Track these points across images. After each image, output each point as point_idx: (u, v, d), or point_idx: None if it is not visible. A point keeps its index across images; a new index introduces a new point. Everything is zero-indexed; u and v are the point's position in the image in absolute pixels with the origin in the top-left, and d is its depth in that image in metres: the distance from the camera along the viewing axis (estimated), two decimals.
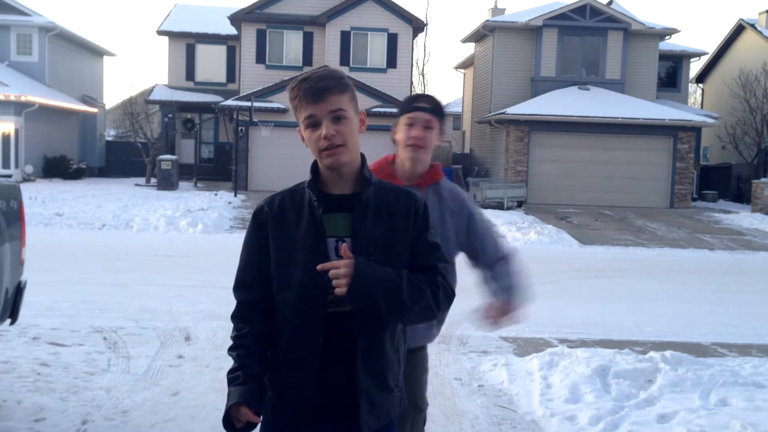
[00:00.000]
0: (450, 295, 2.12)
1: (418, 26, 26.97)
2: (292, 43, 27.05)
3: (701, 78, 35.64)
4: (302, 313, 2.03)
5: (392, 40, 26.35)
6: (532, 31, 26.28)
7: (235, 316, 2.13)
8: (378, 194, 2.10)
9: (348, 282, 1.91)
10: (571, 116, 23.68)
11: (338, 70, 2.13)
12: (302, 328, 2.03)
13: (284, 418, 2.09)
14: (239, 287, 2.15)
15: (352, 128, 2.06)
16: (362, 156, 2.12)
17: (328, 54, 26.18)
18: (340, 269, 1.92)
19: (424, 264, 2.09)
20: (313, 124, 2.04)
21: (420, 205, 2.13)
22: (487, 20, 27.43)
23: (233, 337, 2.11)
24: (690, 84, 33.21)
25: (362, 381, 2.03)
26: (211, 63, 30.97)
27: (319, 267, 1.95)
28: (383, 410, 2.09)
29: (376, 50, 26.37)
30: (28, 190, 17.70)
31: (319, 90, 2.02)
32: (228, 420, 2.04)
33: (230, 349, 2.11)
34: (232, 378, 2.07)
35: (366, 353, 2.03)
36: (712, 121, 26.32)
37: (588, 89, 25.60)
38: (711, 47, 49.56)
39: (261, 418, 2.07)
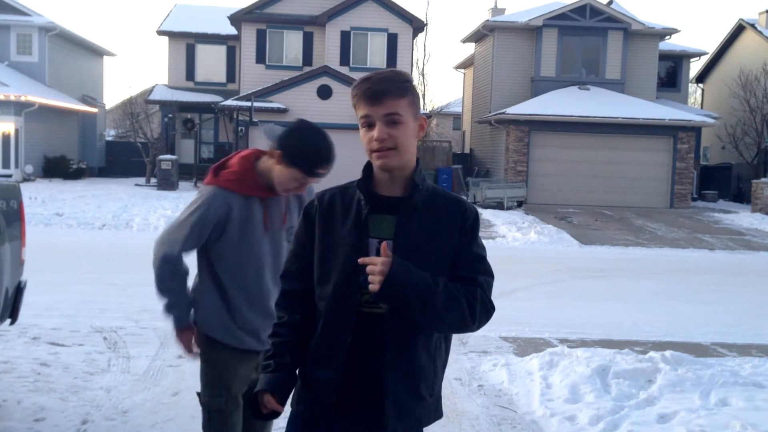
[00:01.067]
0: (489, 309, 2.08)
1: (418, 26, 26.97)
2: (292, 43, 27.05)
3: (701, 78, 35.64)
4: (335, 309, 2.05)
5: (392, 40, 26.35)
6: (532, 31, 26.28)
7: (278, 305, 2.20)
8: (428, 200, 2.09)
9: (382, 279, 1.91)
10: (571, 116, 23.68)
11: (404, 73, 2.13)
12: (334, 323, 2.05)
13: (308, 410, 2.12)
14: (284, 277, 2.21)
15: (407, 133, 2.04)
16: (417, 161, 2.12)
17: (328, 54, 26.18)
18: (376, 266, 1.92)
19: (464, 275, 2.07)
20: (368, 124, 2.04)
21: (470, 215, 2.12)
22: (487, 20, 27.44)
23: (273, 325, 2.17)
24: (690, 84, 33.20)
25: (390, 384, 2.02)
26: (211, 63, 30.97)
27: (360, 260, 1.96)
28: (413, 417, 2.08)
29: (376, 50, 26.37)
30: (28, 190, 17.71)
31: (376, 92, 2.02)
32: (255, 405, 2.09)
33: (269, 336, 2.17)
34: (265, 365, 2.12)
35: (396, 356, 2.03)
36: (712, 121, 26.32)
37: (588, 89, 25.60)
38: (711, 47, 49.61)
39: (284, 407, 2.09)
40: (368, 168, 2.11)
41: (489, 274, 2.13)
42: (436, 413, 2.17)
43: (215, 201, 2.85)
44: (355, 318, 2.03)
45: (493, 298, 2.12)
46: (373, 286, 1.92)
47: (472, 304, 2.02)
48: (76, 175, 27.78)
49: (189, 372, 5.56)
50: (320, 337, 2.09)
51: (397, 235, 2.04)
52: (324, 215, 2.12)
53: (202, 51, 30.92)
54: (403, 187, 2.09)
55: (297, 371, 2.14)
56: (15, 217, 4.71)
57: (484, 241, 2.09)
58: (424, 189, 2.10)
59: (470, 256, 2.09)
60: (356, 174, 2.11)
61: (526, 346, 6.83)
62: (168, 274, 2.90)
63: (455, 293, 2.00)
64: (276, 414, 2.10)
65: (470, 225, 2.11)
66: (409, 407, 2.06)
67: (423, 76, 37.11)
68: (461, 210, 2.11)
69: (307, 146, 2.76)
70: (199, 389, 3.08)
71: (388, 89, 2.03)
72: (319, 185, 2.57)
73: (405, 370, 2.04)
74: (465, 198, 2.15)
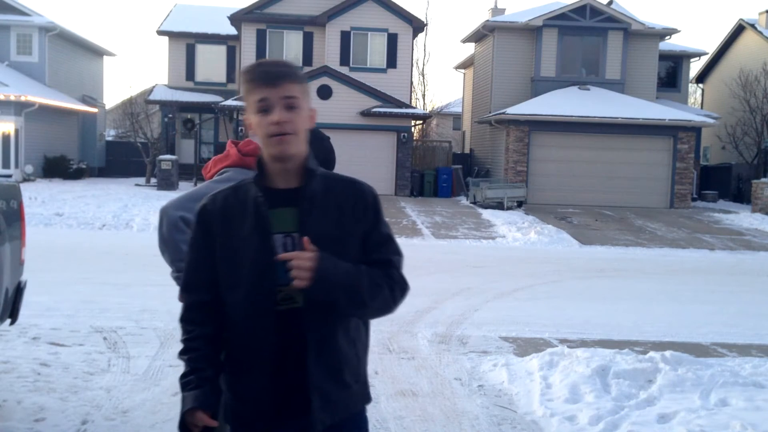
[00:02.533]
0: (405, 289, 2.06)
1: (418, 26, 26.97)
2: (292, 43, 27.05)
3: (701, 78, 35.63)
4: (252, 313, 1.97)
5: (392, 40, 26.35)
6: (532, 31, 26.28)
7: (184, 319, 2.08)
8: (325, 186, 2.03)
9: (311, 276, 1.87)
10: (571, 116, 23.68)
11: (292, 62, 2.09)
12: (253, 328, 1.97)
13: (242, 420, 2.04)
14: (186, 289, 2.09)
15: (304, 119, 1.99)
16: (309, 149, 2.07)
17: (328, 54, 26.19)
18: (303, 261, 1.87)
19: (378, 258, 2.04)
20: (265, 108, 1.96)
21: (369, 195, 2.07)
22: (487, 20, 27.44)
23: (183, 341, 2.06)
24: (690, 84, 33.20)
25: (315, 377, 1.98)
26: (211, 63, 30.97)
27: (281, 256, 1.90)
28: (340, 405, 2.03)
29: (376, 50, 26.37)
30: (28, 190, 17.71)
31: (274, 74, 1.97)
32: (184, 426, 1.99)
33: (181, 353, 2.06)
34: (185, 383, 2.01)
35: (318, 348, 1.98)
36: (712, 121, 26.32)
37: (588, 89, 25.60)
38: (711, 47, 49.60)
39: (217, 422, 2.02)
40: (260, 163, 2.04)
41: (399, 253, 2.10)
42: (364, 397, 2.12)
43: None
44: (275, 318, 1.96)
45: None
46: (301, 282, 1.87)
47: (392, 287, 2.02)
48: (76, 175, 27.78)
49: None
50: (241, 345, 2.01)
51: (302, 227, 1.98)
52: (220, 218, 2.02)
53: (202, 51, 30.93)
54: (299, 177, 2.02)
55: (218, 384, 2.05)
56: (15, 217, 4.71)
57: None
58: (320, 176, 2.04)
59: (379, 239, 2.05)
60: (357, 174, 2.08)
61: (526, 346, 6.83)
62: None
63: (377, 280, 1.98)
64: (209, 430, 2.00)
65: (372, 206, 2.06)
66: (335, 397, 2.01)
67: (423, 76, 37.17)
68: (359, 191, 2.06)
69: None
70: None
71: (286, 72, 1.98)
72: None
73: (327, 360, 1.99)
74: (358, 179, 2.14)
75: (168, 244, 2.95)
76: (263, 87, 1.96)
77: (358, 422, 2.12)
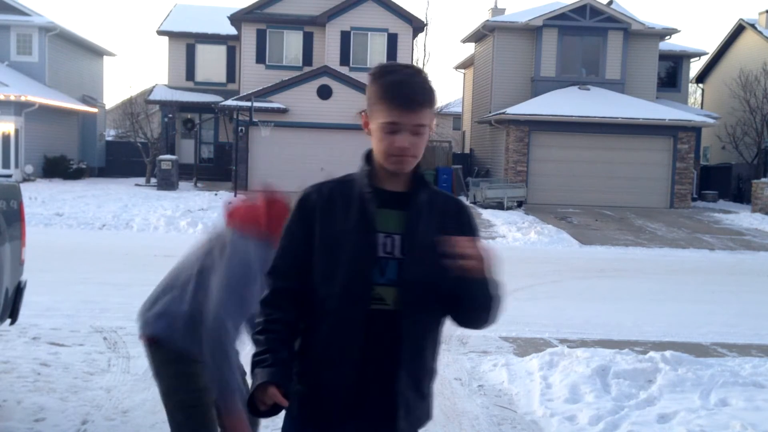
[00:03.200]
0: (501, 308, 2.06)
1: (418, 26, 26.98)
2: (292, 43, 27.06)
3: (701, 78, 35.63)
4: (346, 307, 1.95)
5: (392, 40, 26.36)
6: (532, 31, 26.27)
7: (267, 302, 2.04)
8: (429, 196, 2.05)
9: (485, 266, 1.88)
10: (571, 116, 23.68)
11: (427, 74, 2.03)
12: (343, 323, 1.95)
13: (313, 414, 2.02)
14: (275, 273, 2.05)
15: (426, 140, 2.00)
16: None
17: (328, 54, 26.19)
18: (486, 252, 1.88)
19: None
20: (393, 130, 1.94)
21: (469, 213, 2.11)
22: (487, 20, 27.44)
23: (261, 322, 2.02)
24: (690, 84, 33.20)
25: (402, 384, 1.97)
26: (211, 63, 30.97)
27: (455, 242, 1.88)
28: (415, 416, 2.04)
29: (376, 50, 26.37)
30: (28, 190, 17.70)
31: (414, 102, 1.93)
32: (252, 403, 1.94)
33: (257, 333, 2.01)
34: (260, 360, 1.96)
35: (409, 356, 1.97)
36: (712, 121, 26.32)
37: (588, 89, 25.60)
38: (711, 47, 49.57)
39: (287, 402, 1.96)
40: (369, 159, 2.04)
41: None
42: (429, 414, 2.12)
43: None
44: (366, 315, 1.95)
45: None
46: (479, 270, 1.88)
47: (499, 305, 2.04)
48: (76, 175, 27.78)
49: None
50: (329, 339, 1.98)
51: (407, 231, 1.98)
52: (324, 208, 2.00)
53: (202, 51, 30.93)
54: (405, 183, 2.03)
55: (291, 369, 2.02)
56: (15, 217, 4.70)
57: (484, 242, 2.07)
58: (427, 185, 2.06)
59: None
60: None
61: (526, 346, 6.83)
62: None
63: (498, 288, 2.01)
64: (278, 410, 1.95)
65: (472, 224, 2.10)
66: (414, 406, 2.02)
67: None
68: (460, 208, 2.11)
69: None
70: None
71: (426, 100, 1.95)
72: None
73: (414, 368, 1.99)
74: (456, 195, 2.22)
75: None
76: (398, 111, 1.93)
77: None
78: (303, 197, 2.05)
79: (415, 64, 32.30)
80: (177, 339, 2.85)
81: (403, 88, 1.94)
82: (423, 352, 2.01)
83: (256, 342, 2.02)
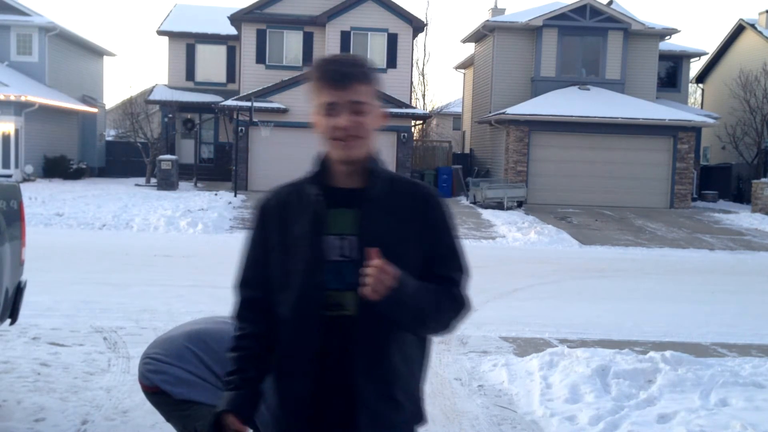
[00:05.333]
0: (465, 310, 1.96)
1: (418, 26, 26.97)
2: (292, 43, 27.05)
3: (701, 78, 35.63)
4: (300, 315, 1.88)
5: (392, 40, 26.36)
6: (532, 31, 26.27)
7: (236, 316, 2.01)
8: (389, 188, 1.93)
9: (387, 291, 1.76)
10: (571, 116, 23.68)
11: (364, 58, 1.97)
12: (299, 331, 1.89)
13: (280, 424, 1.98)
14: (241, 284, 2.02)
15: (371, 122, 1.91)
16: (375, 150, 1.98)
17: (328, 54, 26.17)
18: (387, 276, 1.75)
19: (440, 273, 1.92)
20: (330, 111, 1.87)
21: (436, 200, 1.96)
22: (487, 20, 27.43)
23: (234, 338, 2.00)
24: (690, 84, 33.19)
25: (363, 392, 1.87)
26: (211, 63, 30.98)
27: (369, 263, 1.75)
28: (387, 424, 1.91)
29: (376, 50, 26.36)
30: (28, 190, 17.70)
31: (343, 75, 1.86)
32: (217, 425, 1.94)
33: (230, 350, 2.00)
34: (227, 381, 1.97)
35: (368, 362, 1.87)
36: (712, 121, 26.32)
37: (588, 89, 25.60)
38: (711, 47, 49.56)
39: (249, 428, 1.97)
40: (322, 160, 1.96)
41: (463, 270, 1.97)
42: (417, 417, 2.00)
43: None
44: (321, 323, 1.87)
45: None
46: (374, 294, 1.76)
47: (456, 309, 1.93)
48: (76, 175, 27.77)
49: None
50: (285, 348, 1.92)
51: (362, 231, 1.87)
52: (279, 214, 1.95)
53: (202, 51, 30.93)
54: (362, 178, 1.92)
55: (261, 387, 1.97)
56: (15, 217, 4.70)
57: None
58: (385, 177, 1.94)
59: (444, 252, 1.94)
60: None
61: (526, 346, 6.83)
62: None
63: (441, 300, 1.89)
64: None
65: (439, 213, 1.95)
66: (385, 415, 1.90)
67: (423, 76, 37.16)
68: (425, 196, 1.95)
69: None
70: None
71: (355, 73, 1.87)
72: None
73: (378, 375, 1.88)
74: (423, 182, 2.17)
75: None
76: (330, 89, 1.87)
77: None
78: (262, 204, 2.01)
79: (415, 63, 32.31)
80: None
81: (330, 65, 1.89)
82: (389, 358, 1.89)
83: (229, 359, 2.00)
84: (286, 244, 1.92)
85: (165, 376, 3.02)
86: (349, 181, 1.93)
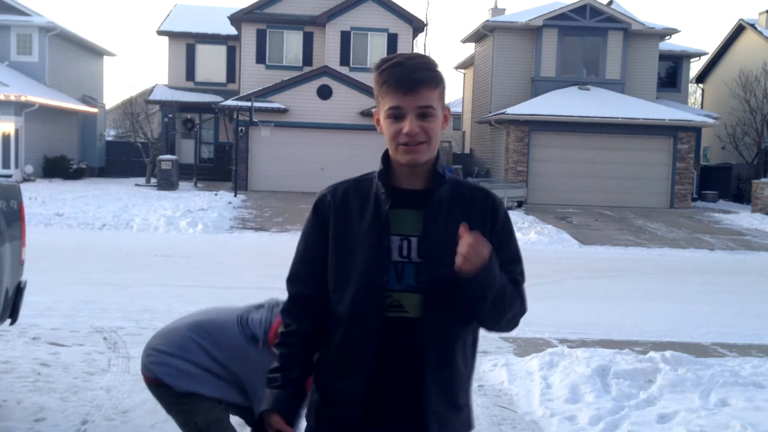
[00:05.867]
0: (524, 313, 1.99)
1: (418, 26, 26.97)
2: (292, 43, 27.05)
3: (701, 78, 35.63)
4: (358, 314, 1.86)
5: (392, 40, 26.35)
6: (532, 31, 26.27)
7: (285, 311, 2.00)
8: (453, 192, 1.92)
9: (481, 264, 1.75)
10: (571, 116, 23.68)
11: (434, 59, 1.90)
12: (356, 330, 1.86)
13: (329, 425, 1.93)
14: (292, 280, 1.99)
15: (437, 126, 1.87)
16: (438, 152, 1.94)
17: (328, 54, 26.18)
18: (482, 247, 1.74)
19: (507, 275, 1.91)
20: (397, 116, 1.84)
21: (499, 205, 1.95)
22: (487, 20, 27.43)
23: (280, 333, 1.99)
24: (690, 84, 33.19)
25: (432, 399, 1.85)
26: (211, 63, 30.98)
27: (462, 229, 1.75)
28: (451, 431, 1.91)
29: (376, 50, 26.36)
30: (28, 190, 17.70)
31: (412, 81, 1.81)
32: (260, 424, 1.92)
33: (275, 346, 1.99)
34: (271, 379, 1.94)
35: (436, 367, 1.85)
36: (712, 121, 26.32)
37: (588, 89, 25.60)
38: (711, 47, 49.59)
39: (293, 428, 1.93)
40: (386, 158, 1.93)
41: (524, 276, 2.01)
42: (470, 424, 2.00)
43: None
44: (380, 324, 1.84)
45: None
46: (471, 266, 1.74)
47: (522, 307, 1.96)
48: (76, 175, 27.77)
49: None
50: (341, 346, 1.89)
51: (425, 232, 1.86)
52: (338, 211, 1.91)
53: (202, 51, 30.94)
54: (425, 180, 1.91)
55: (306, 385, 1.96)
56: (15, 217, 4.70)
57: (485, 239, 1.96)
58: (449, 181, 1.93)
59: (509, 257, 1.95)
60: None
61: (526, 346, 6.83)
62: None
63: (514, 293, 1.91)
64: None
65: (502, 219, 1.95)
66: (450, 422, 1.90)
67: None
68: (489, 202, 1.95)
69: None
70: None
71: (424, 78, 1.82)
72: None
73: (444, 381, 1.87)
74: (490, 189, 2.02)
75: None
76: (398, 94, 1.82)
77: None
78: (319, 200, 1.97)
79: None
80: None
81: (399, 69, 1.84)
82: (453, 362, 1.89)
83: (275, 356, 1.98)
84: (347, 242, 1.89)
85: (167, 368, 3.03)
86: (412, 182, 1.91)
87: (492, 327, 1.98)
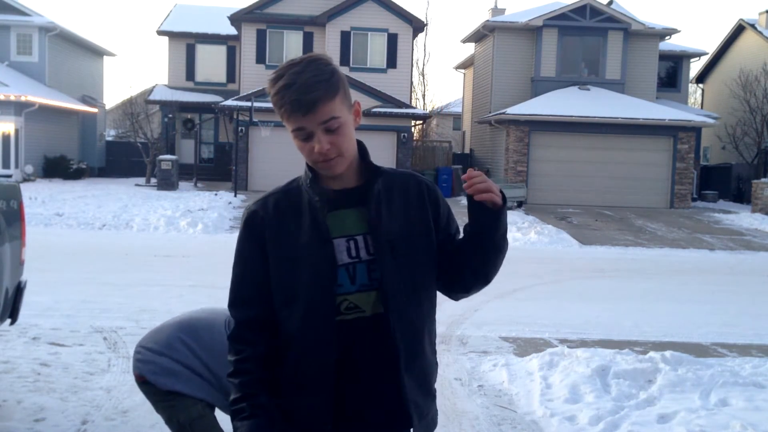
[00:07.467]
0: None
1: (418, 26, 26.97)
2: (292, 43, 27.05)
3: (701, 78, 35.64)
4: (311, 327, 1.78)
5: (392, 40, 26.35)
6: (532, 31, 26.28)
7: (234, 338, 1.86)
8: (386, 183, 1.87)
9: (496, 192, 1.77)
10: (571, 116, 23.69)
11: (324, 59, 1.80)
12: (312, 344, 1.79)
13: None
14: (236, 304, 1.87)
15: (347, 133, 1.78)
16: (361, 144, 1.87)
17: (328, 54, 26.17)
18: (490, 183, 1.77)
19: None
20: (304, 136, 1.76)
21: (432, 186, 1.94)
22: (487, 20, 27.44)
23: (233, 362, 1.84)
24: (690, 84, 33.20)
25: (409, 389, 1.82)
26: (211, 63, 30.98)
27: (466, 175, 1.77)
28: (430, 418, 1.90)
29: (376, 50, 26.37)
30: (28, 190, 17.71)
31: (307, 103, 1.72)
32: None
33: (230, 375, 1.85)
34: (237, 410, 1.81)
35: (408, 358, 1.81)
36: (712, 121, 26.33)
37: (588, 89, 25.60)
38: (711, 47, 49.64)
39: None
40: (311, 166, 1.85)
41: None
42: (437, 408, 2.00)
43: None
44: (336, 332, 1.78)
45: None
46: (497, 198, 1.77)
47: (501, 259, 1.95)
48: (76, 175, 27.78)
49: None
50: (298, 363, 1.81)
51: (372, 228, 1.80)
52: (273, 225, 1.82)
53: (202, 51, 30.94)
54: (356, 176, 1.85)
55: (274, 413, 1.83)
56: (15, 217, 4.70)
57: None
58: (378, 172, 1.87)
59: (456, 226, 1.96)
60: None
61: (526, 346, 6.83)
62: None
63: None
64: None
65: (440, 198, 1.95)
66: (428, 407, 1.90)
67: (423, 76, 37.11)
68: (422, 183, 1.93)
69: None
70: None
71: (318, 96, 1.72)
72: None
73: (417, 370, 1.85)
74: (415, 172, 1.99)
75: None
76: (298, 116, 1.74)
77: None
78: (249, 216, 1.87)
79: (415, 63, 32.31)
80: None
81: (291, 92, 1.73)
82: (422, 350, 1.87)
83: (231, 385, 1.85)
84: (289, 257, 1.81)
85: (152, 366, 3.06)
86: (344, 182, 1.85)
87: (493, 272, 1.93)
